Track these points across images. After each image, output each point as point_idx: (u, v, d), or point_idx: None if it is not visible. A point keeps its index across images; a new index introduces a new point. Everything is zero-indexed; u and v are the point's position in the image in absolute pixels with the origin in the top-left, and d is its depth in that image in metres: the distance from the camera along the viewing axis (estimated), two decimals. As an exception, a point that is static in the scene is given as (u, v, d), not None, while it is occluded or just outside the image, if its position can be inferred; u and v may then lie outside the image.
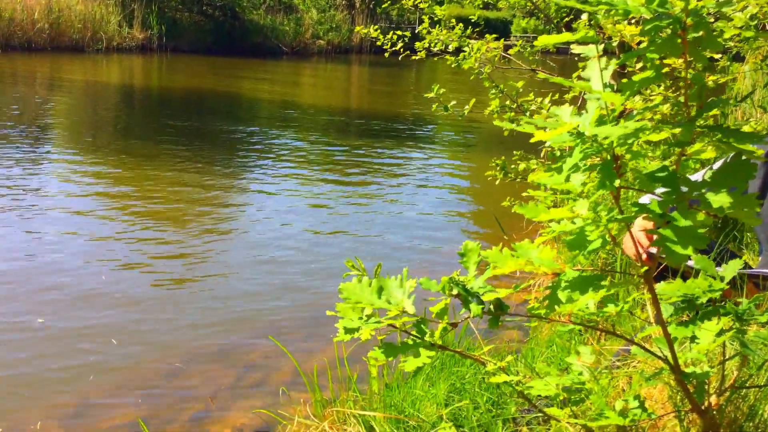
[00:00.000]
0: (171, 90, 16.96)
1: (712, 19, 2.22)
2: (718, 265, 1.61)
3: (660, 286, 1.52)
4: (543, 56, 6.16)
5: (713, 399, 1.63)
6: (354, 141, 11.60)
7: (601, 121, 1.31)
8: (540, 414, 2.49)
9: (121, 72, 19.96)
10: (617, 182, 1.26)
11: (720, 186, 1.19)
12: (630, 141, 1.23)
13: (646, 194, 1.38)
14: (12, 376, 3.79)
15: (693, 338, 1.44)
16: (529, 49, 5.51)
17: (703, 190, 1.20)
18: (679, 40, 1.21)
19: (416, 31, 5.58)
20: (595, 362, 1.97)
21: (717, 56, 4.75)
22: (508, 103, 4.66)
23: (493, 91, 4.62)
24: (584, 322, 1.56)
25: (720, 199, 1.17)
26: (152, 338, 4.29)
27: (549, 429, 2.35)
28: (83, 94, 15.07)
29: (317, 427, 2.53)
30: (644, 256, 2.10)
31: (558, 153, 4.88)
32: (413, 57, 5.09)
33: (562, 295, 1.30)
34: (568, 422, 1.80)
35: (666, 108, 3.33)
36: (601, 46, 1.37)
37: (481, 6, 6.65)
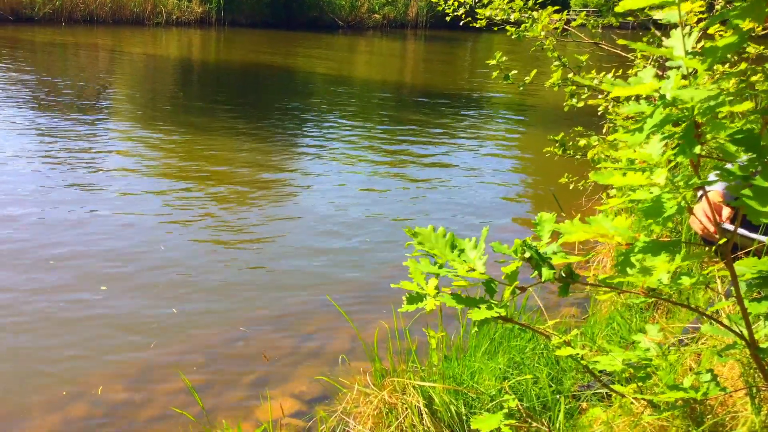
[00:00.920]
0: (228, 63, 17.16)
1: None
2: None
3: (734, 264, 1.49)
4: (605, 31, 6.01)
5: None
6: (408, 115, 11.56)
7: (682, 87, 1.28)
8: (601, 390, 2.47)
9: (179, 45, 20.25)
10: (698, 149, 1.23)
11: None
12: (712, 104, 1.20)
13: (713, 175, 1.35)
14: (75, 342, 3.91)
15: (769, 314, 1.41)
16: (593, 21, 5.38)
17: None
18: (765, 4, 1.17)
19: (475, 2, 5.50)
20: (662, 339, 1.93)
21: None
22: (570, 76, 4.57)
23: (556, 63, 4.54)
24: (658, 295, 1.53)
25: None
26: (212, 306, 4.38)
27: (609, 406, 2.33)
28: (143, 67, 15.35)
29: (377, 396, 2.55)
30: (713, 229, 2.06)
31: (621, 130, 4.79)
32: (473, 24, 5.01)
33: (635, 260, 1.28)
34: (634, 398, 1.78)
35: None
36: (684, 12, 1.33)
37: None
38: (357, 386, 2.62)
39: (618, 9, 1.30)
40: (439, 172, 8.03)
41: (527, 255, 1.46)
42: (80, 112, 9.74)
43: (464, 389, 2.53)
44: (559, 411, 2.16)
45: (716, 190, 2.33)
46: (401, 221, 6.17)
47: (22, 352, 3.77)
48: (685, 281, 1.49)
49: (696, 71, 1.29)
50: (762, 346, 1.45)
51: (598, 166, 1.51)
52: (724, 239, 1.33)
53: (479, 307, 1.50)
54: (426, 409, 2.41)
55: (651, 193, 1.31)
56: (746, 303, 1.48)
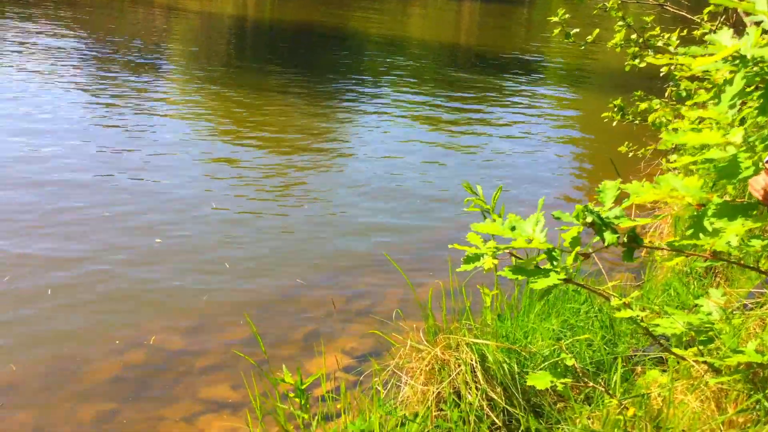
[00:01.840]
0: (281, 23, 17.14)
1: None
2: None
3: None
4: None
5: None
6: (463, 77, 11.42)
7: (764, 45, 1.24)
8: (657, 354, 2.45)
9: (235, 3, 20.29)
10: (779, 109, 1.20)
11: None
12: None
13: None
14: (129, 294, 4.00)
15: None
16: (658, -19, 5.21)
17: None
18: None
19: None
20: (726, 303, 1.90)
21: None
22: (633, 37, 4.45)
23: (620, 23, 4.42)
24: (726, 257, 1.50)
25: None
26: (265, 263, 4.45)
27: (664, 371, 2.31)
28: (198, 24, 15.46)
29: (429, 352, 2.57)
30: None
31: (684, 93, 4.66)
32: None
33: (707, 224, 1.26)
34: (694, 361, 1.76)
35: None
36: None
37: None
38: (410, 342, 2.65)
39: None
40: (494, 139, 7.93)
41: (589, 220, 1.45)
42: (135, 68, 9.84)
43: (518, 347, 2.54)
44: (615, 372, 2.16)
45: None
46: (455, 183, 6.15)
47: (88, 305, 3.88)
48: (756, 243, 1.46)
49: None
50: (833, 312, 1.42)
51: (670, 126, 1.48)
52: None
53: (540, 277, 1.50)
54: (480, 366, 2.43)
55: (726, 152, 1.29)
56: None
